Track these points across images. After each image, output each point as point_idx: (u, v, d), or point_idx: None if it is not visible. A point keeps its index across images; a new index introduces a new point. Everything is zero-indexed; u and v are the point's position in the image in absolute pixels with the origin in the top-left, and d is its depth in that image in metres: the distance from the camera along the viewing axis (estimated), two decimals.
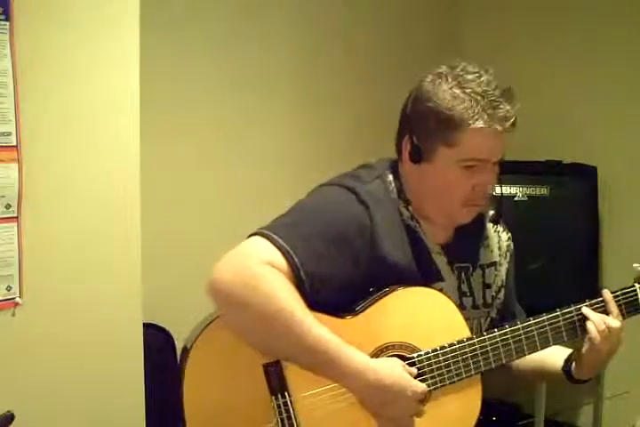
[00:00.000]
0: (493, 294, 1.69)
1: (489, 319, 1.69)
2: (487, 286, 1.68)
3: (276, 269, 1.42)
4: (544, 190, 2.93)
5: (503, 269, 1.73)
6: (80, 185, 1.93)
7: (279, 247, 1.44)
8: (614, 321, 1.58)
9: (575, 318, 1.59)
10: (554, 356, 1.67)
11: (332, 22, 3.06)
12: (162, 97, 2.55)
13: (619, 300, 1.62)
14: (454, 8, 3.44)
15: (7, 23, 1.76)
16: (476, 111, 1.48)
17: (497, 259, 1.71)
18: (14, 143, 1.80)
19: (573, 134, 3.07)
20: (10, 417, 1.54)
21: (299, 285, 1.44)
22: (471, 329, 1.60)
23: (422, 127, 1.54)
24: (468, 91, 1.50)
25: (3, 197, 1.79)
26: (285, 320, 1.39)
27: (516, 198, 2.92)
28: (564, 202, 2.91)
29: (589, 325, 1.57)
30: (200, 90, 2.73)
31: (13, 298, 1.83)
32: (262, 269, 1.41)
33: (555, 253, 2.82)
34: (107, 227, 1.98)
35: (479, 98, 1.49)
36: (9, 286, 1.82)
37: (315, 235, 1.47)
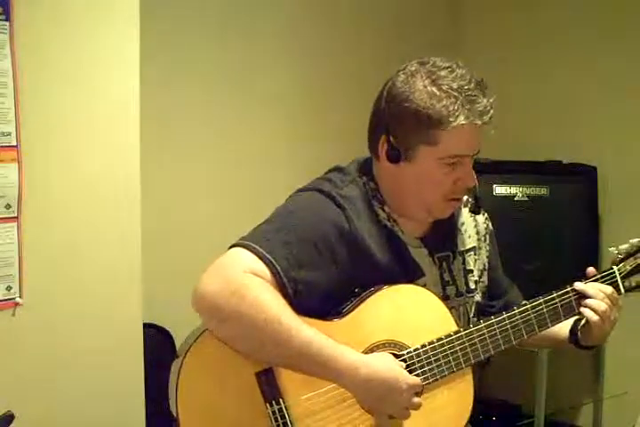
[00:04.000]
0: (476, 278, 1.70)
1: (474, 304, 1.69)
2: (469, 271, 1.68)
3: (260, 278, 1.43)
4: (544, 190, 2.92)
5: (483, 252, 1.73)
6: (80, 185, 1.94)
7: (260, 257, 1.44)
8: (607, 287, 1.61)
9: (558, 303, 1.59)
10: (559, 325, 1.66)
11: (332, 23, 3.07)
12: (162, 97, 2.55)
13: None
14: (454, 8, 3.44)
15: (7, 23, 1.76)
16: (456, 108, 1.46)
17: (475, 243, 1.71)
18: (14, 143, 1.80)
19: (573, 134, 3.08)
20: (10, 417, 1.54)
21: (283, 291, 1.45)
22: (458, 317, 1.61)
23: (400, 127, 1.52)
24: (444, 87, 1.48)
25: (3, 197, 1.80)
26: (274, 327, 1.40)
27: (515, 198, 2.91)
28: (564, 202, 2.91)
29: (590, 296, 1.59)
30: (201, 89, 2.73)
31: (13, 298, 1.83)
32: (247, 279, 1.42)
33: (555, 253, 2.82)
34: (107, 227, 1.99)
35: (456, 94, 1.47)
36: (9, 286, 1.82)
37: (295, 241, 1.47)
